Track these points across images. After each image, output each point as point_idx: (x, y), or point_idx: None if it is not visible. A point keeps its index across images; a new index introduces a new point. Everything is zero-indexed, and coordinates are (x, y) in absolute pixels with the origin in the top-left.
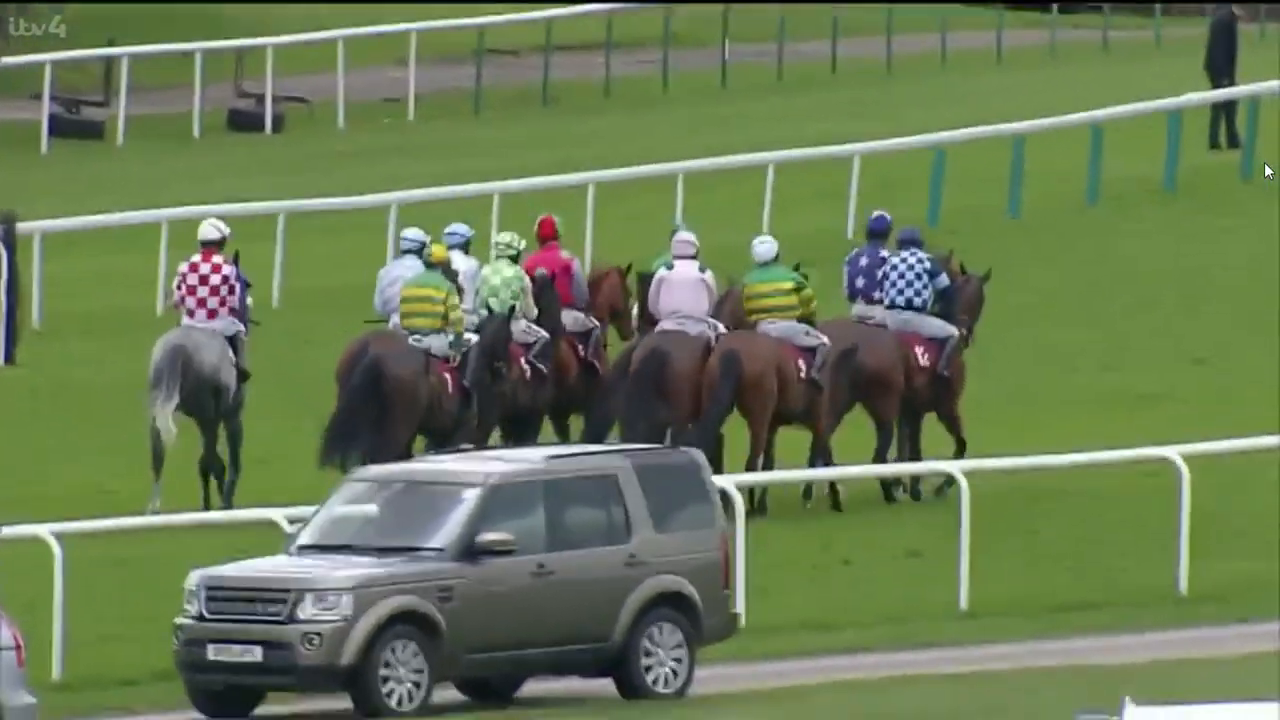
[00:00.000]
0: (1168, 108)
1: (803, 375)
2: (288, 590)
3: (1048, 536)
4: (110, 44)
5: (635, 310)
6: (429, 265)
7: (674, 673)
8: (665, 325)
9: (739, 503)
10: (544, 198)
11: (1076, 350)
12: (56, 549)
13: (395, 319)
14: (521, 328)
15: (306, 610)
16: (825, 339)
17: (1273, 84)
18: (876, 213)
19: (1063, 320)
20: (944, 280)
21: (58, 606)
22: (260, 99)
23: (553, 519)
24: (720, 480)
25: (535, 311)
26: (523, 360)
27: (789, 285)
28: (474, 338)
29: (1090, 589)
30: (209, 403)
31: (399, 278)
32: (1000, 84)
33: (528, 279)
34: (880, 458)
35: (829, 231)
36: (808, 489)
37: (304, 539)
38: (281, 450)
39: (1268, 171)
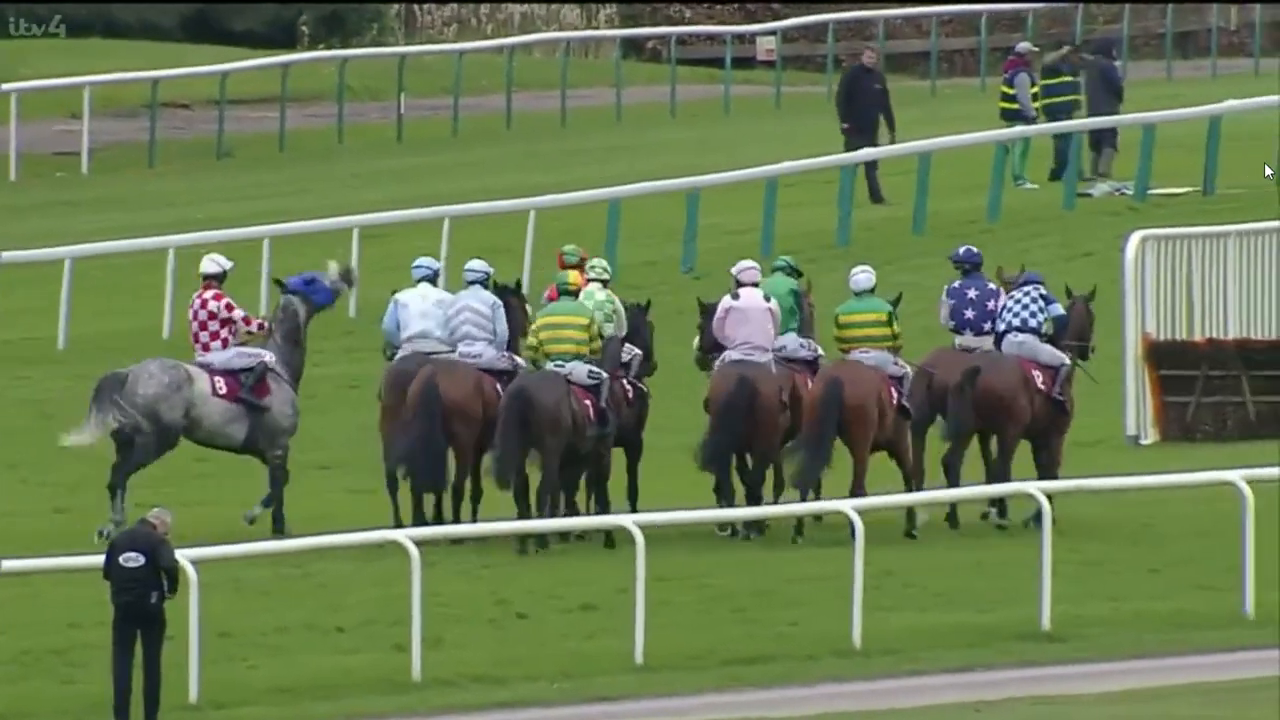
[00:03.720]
0: (840, 163)
1: (894, 403)
2: None
3: (722, 589)
4: None
5: (695, 342)
6: (568, 293)
7: None
8: (736, 354)
9: (415, 554)
10: (220, 250)
11: None
12: None
13: (461, 347)
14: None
15: None
16: (908, 368)
17: (946, 140)
18: (965, 247)
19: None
20: (1058, 309)
21: None
22: None
23: None
24: (398, 534)
25: (625, 332)
26: (625, 381)
27: (883, 315)
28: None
29: (764, 641)
30: (143, 432)
31: (466, 307)
32: (674, 138)
33: (619, 302)
34: (1003, 478)
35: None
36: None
37: None
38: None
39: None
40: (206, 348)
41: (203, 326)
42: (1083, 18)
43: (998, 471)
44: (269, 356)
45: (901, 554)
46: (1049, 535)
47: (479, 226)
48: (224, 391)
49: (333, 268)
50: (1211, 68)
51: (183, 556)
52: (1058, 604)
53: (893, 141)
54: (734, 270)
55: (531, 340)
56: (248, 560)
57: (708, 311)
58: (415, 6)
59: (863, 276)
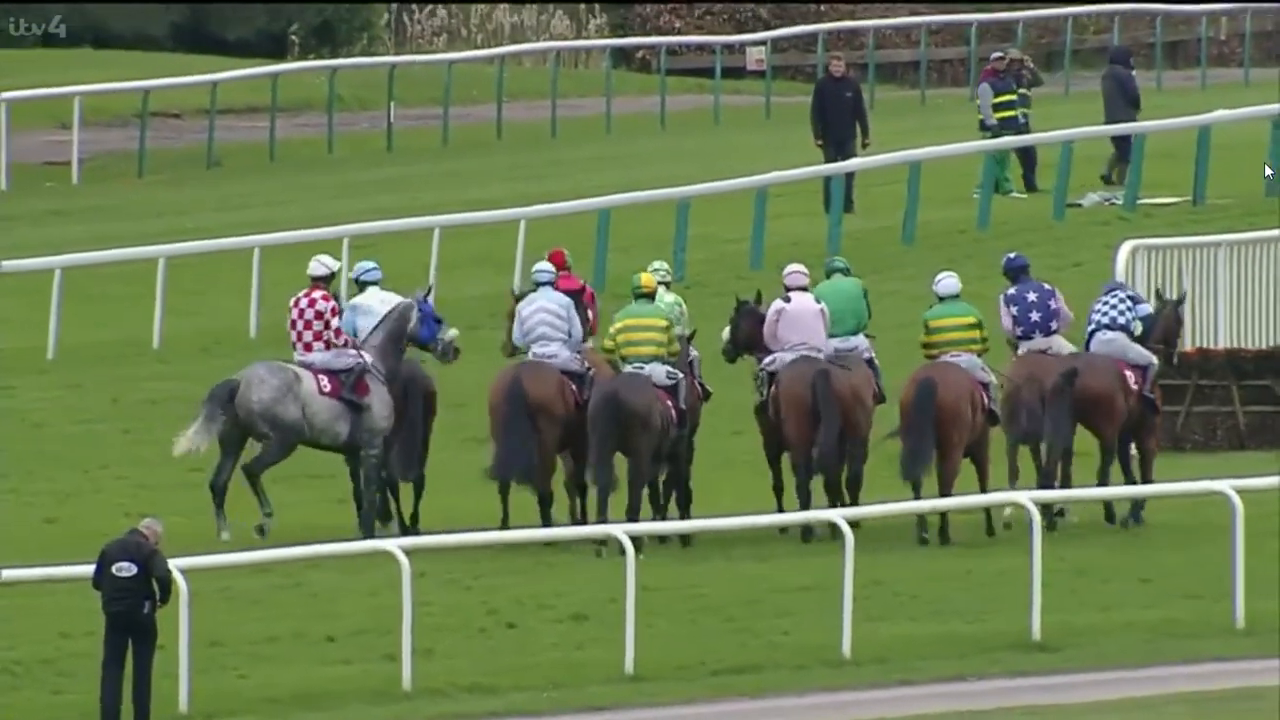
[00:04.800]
0: (829, 173)
1: (984, 408)
2: None
3: (712, 598)
4: None
5: (726, 335)
6: (642, 296)
7: None
8: (792, 356)
9: (405, 564)
10: (211, 260)
11: (738, 409)
12: None
13: (534, 350)
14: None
15: None
16: (993, 375)
17: (935, 149)
18: (1008, 255)
19: (734, 379)
20: (1146, 309)
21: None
22: None
23: None
24: (389, 544)
25: (691, 331)
26: (696, 382)
27: (971, 320)
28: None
29: (754, 651)
30: (264, 434)
31: (541, 308)
32: (664, 148)
33: (684, 304)
34: (1104, 479)
35: (495, 296)
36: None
37: None
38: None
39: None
40: (309, 347)
41: (308, 325)
42: (1073, 27)
43: (1102, 474)
44: (367, 358)
45: (891, 563)
46: (1039, 544)
47: (469, 236)
48: (329, 390)
49: (452, 333)
50: (1201, 77)
51: (173, 566)
52: (1048, 613)
53: (865, 147)
54: (784, 274)
55: (608, 343)
56: (238, 570)
57: (743, 309)
58: (405, 17)
59: (950, 281)
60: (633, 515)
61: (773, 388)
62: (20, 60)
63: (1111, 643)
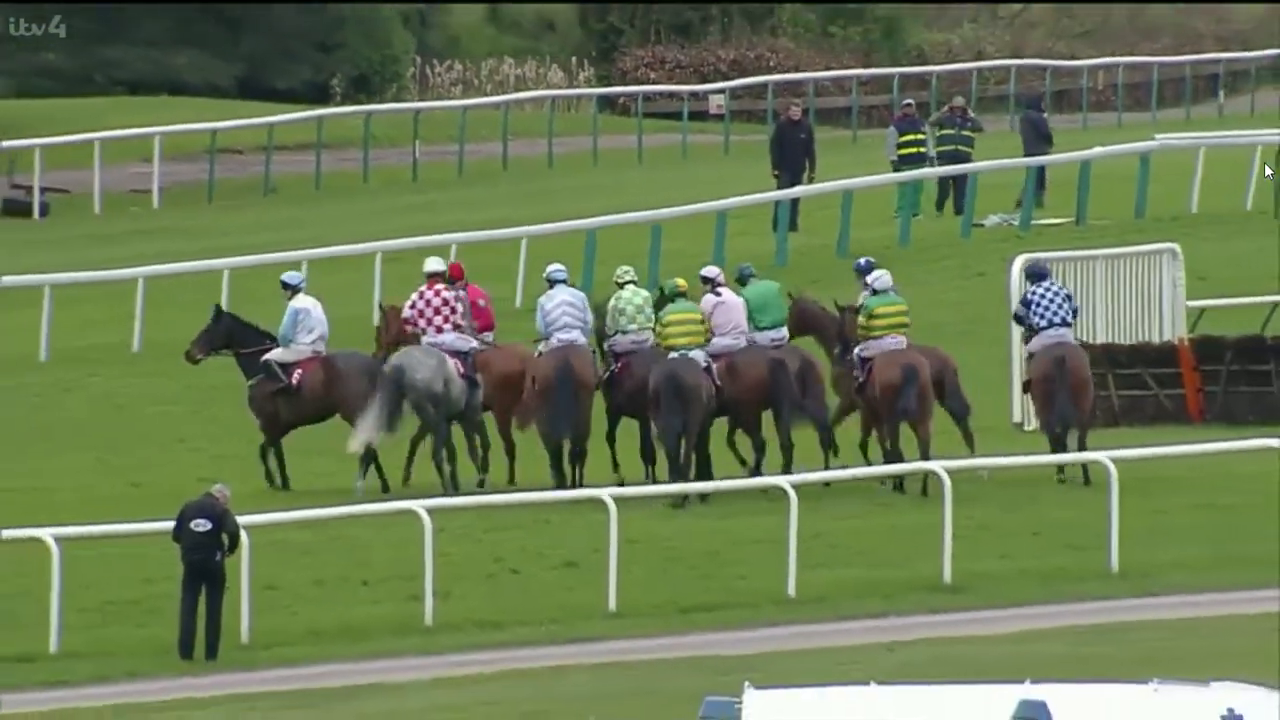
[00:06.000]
0: (777, 199)
1: None
2: None
3: (681, 549)
4: None
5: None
6: (680, 295)
7: None
8: (728, 340)
9: (428, 520)
10: (268, 271)
11: None
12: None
13: (557, 336)
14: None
15: None
16: None
17: (864, 180)
18: (864, 258)
19: None
20: (1076, 305)
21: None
22: (30, 189)
23: None
24: (414, 504)
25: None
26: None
27: (904, 308)
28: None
29: (715, 593)
30: (428, 411)
31: (564, 301)
32: (641, 179)
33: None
34: (1084, 445)
35: (500, 299)
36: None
37: None
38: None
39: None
40: (440, 330)
41: (436, 312)
42: (977, 79)
43: (1081, 441)
44: (474, 342)
45: (829, 520)
46: (950, 504)
47: (480, 251)
48: (462, 370)
49: None
50: (1083, 120)
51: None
52: (957, 561)
53: (811, 180)
54: (709, 274)
55: (655, 335)
56: (290, 525)
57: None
58: (428, 69)
59: (886, 277)
60: (682, 475)
61: (720, 366)
62: (110, 106)
63: (1009, 585)
